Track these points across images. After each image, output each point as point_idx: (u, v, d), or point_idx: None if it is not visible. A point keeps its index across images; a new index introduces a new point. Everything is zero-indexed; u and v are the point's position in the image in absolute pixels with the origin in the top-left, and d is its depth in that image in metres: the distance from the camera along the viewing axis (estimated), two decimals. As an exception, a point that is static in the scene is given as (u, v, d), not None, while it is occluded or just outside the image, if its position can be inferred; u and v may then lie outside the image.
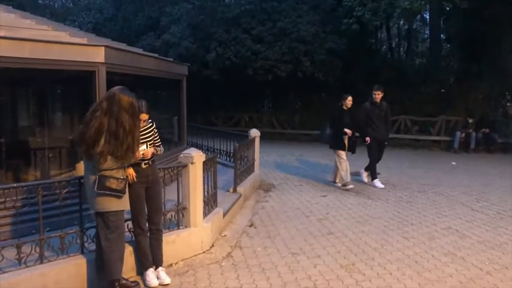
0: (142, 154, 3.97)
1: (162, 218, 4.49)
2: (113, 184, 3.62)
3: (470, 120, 13.79)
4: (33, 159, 6.40)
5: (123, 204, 3.79)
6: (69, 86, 6.99)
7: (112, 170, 3.64)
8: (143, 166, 4.07)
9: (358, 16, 14.32)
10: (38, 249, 3.75)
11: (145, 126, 4.13)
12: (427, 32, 23.84)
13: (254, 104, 19.70)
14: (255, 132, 8.72)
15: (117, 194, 3.67)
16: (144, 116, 4.02)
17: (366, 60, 17.45)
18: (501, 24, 14.49)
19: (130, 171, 3.95)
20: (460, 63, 17.30)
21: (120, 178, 3.69)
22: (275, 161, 11.67)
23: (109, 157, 3.58)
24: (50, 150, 6.43)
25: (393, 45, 23.59)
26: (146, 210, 4.18)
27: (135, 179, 3.98)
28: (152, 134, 4.21)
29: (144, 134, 4.10)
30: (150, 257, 4.19)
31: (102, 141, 3.53)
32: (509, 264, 4.67)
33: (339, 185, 8.45)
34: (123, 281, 3.88)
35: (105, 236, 3.74)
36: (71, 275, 3.85)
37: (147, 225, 4.19)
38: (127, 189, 3.81)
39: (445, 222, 6.21)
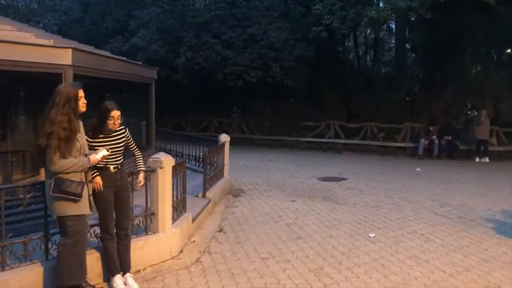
0: (102, 158, 3.85)
1: (130, 223, 4.42)
2: (69, 187, 3.52)
3: (431, 128, 14.20)
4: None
5: (82, 208, 3.67)
6: (34, 88, 6.80)
7: (69, 173, 3.54)
8: (112, 170, 4.00)
9: (326, 24, 14.58)
10: (-1, 256, 3.63)
11: (117, 128, 4.06)
12: (393, 41, 24.40)
13: (224, 109, 19.67)
14: (224, 138, 8.71)
15: (73, 197, 3.56)
16: (116, 113, 3.95)
17: (334, 68, 17.72)
18: (463, 35, 15.06)
19: (98, 180, 3.89)
20: (425, 72, 17.81)
21: (77, 181, 3.58)
22: (245, 166, 11.67)
23: (62, 159, 3.49)
24: (13, 154, 6.24)
25: (360, 54, 24.03)
26: (114, 215, 4.11)
27: (101, 188, 3.91)
28: (124, 140, 4.14)
29: (112, 139, 4.02)
30: (117, 263, 4.12)
31: (52, 142, 3.45)
32: (470, 266, 4.82)
33: None
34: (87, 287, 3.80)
35: (62, 241, 3.67)
36: (34, 282, 3.74)
37: (115, 230, 4.12)
38: (87, 193, 3.72)
39: (411, 226, 6.36)
